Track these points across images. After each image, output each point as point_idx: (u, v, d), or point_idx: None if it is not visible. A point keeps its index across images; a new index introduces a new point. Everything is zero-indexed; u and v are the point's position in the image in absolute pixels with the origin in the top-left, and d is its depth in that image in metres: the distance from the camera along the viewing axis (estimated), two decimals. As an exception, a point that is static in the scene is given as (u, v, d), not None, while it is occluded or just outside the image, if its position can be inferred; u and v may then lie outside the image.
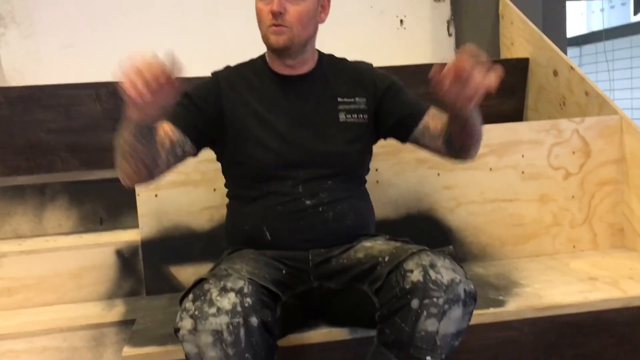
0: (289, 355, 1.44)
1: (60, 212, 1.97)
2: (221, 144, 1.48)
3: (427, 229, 1.92)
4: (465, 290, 1.21)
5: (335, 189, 1.44)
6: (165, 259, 1.80)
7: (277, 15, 1.37)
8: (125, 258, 1.80)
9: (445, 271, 1.20)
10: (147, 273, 1.80)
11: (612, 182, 2.00)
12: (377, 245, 1.38)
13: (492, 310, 1.53)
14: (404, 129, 1.50)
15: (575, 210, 1.99)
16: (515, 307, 1.53)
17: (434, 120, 1.46)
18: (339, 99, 1.49)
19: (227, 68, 1.53)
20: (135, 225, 1.84)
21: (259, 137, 1.43)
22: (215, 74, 1.51)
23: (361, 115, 1.49)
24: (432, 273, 1.20)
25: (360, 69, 1.55)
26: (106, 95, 2.35)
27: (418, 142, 1.50)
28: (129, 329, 1.58)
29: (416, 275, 1.20)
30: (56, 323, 1.64)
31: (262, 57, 1.54)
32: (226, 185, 1.56)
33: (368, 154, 1.56)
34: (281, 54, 1.44)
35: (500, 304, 1.55)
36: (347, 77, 1.52)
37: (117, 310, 1.71)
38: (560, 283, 1.69)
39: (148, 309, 1.67)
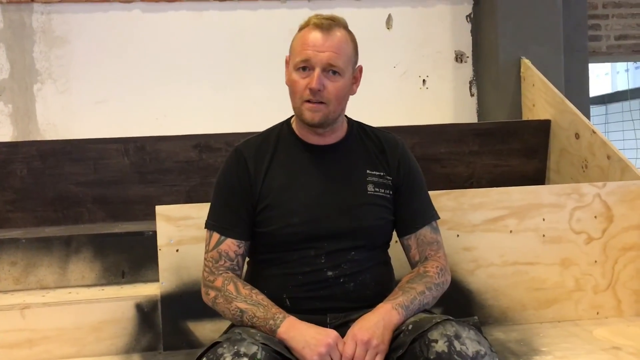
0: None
1: (84, 264, 2.01)
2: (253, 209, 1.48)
3: (447, 291, 1.90)
4: None
5: (358, 260, 1.44)
6: (183, 314, 1.81)
7: (315, 92, 1.39)
8: (145, 312, 1.82)
9: (470, 343, 1.20)
10: (165, 328, 1.81)
11: (636, 247, 1.97)
12: None
13: (511, 378, 1.50)
14: (399, 229, 1.54)
15: (598, 276, 1.96)
16: (535, 376, 1.50)
17: (418, 247, 1.50)
18: (368, 171, 1.49)
19: (249, 141, 1.51)
20: (156, 279, 1.86)
21: (286, 210, 1.43)
22: (239, 151, 1.48)
23: (387, 191, 1.49)
24: (457, 344, 1.19)
25: (390, 144, 1.54)
26: (134, 150, 2.43)
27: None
28: (145, 387, 1.58)
29: (441, 346, 1.19)
30: (73, 378, 1.65)
31: (288, 123, 1.54)
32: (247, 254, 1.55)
33: (392, 225, 1.54)
34: (313, 127, 1.46)
35: (520, 372, 1.52)
36: (376, 149, 1.52)
37: (133, 366, 1.71)
38: (582, 352, 1.65)
39: (165, 366, 1.68)
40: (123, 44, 3.04)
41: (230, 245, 1.44)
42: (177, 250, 1.83)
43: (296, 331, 1.28)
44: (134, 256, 2.03)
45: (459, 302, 1.89)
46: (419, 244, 1.51)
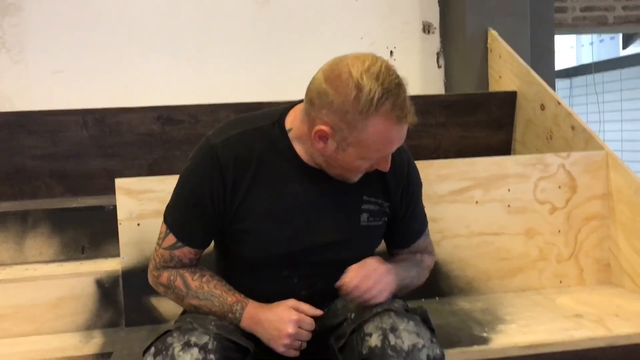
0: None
1: (42, 240, 1.95)
2: (222, 225, 1.31)
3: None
4: (428, 356, 1.15)
5: (334, 276, 1.27)
6: (146, 290, 1.75)
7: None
8: (106, 288, 1.77)
9: (407, 335, 1.15)
10: (127, 304, 1.76)
11: (599, 217, 1.99)
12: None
13: (475, 348, 1.50)
14: (391, 244, 1.46)
15: (561, 245, 1.98)
16: (499, 345, 1.51)
17: (409, 252, 1.46)
18: (365, 197, 1.32)
19: (229, 140, 1.25)
20: (117, 254, 1.81)
21: (265, 239, 1.27)
22: (214, 153, 1.24)
23: (382, 219, 1.36)
24: (391, 338, 1.15)
25: (400, 170, 1.35)
26: (93, 122, 2.35)
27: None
28: (106, 363, 1.54)
29: (374, 340, 1.15)
30: (31, 355, 1.60)
31: (281, 127, 1.27)
32: (216, 248, 1.41)
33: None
34: None
35: (485, 341, 1.53)
36: (379, 173, 1.30)
37: (94, 342, 1.67)
38: (545, 320, 1.67)
39: (126, 341, 1.64)
40: (81, 12, 2.92)
41: (187, 253, 1.31)
42: (138, 225, 1.78)
43: (257, 325, 1.24)
44: (94, 231, 1.98)
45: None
46: (411, 251, 1.46)
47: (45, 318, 1.74)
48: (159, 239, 1.35)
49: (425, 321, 1.22)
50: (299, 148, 1.28)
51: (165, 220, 1.33)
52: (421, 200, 1.47)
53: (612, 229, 1.98)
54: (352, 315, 1.24)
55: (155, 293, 1.75)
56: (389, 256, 1.47)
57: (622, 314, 1.68)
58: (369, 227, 1.34)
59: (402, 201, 1.38)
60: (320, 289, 1.32)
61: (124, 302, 1.77)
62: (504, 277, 1.97)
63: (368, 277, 1.24)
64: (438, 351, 1.18)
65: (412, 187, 1.40)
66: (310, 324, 1.24)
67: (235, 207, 1.26)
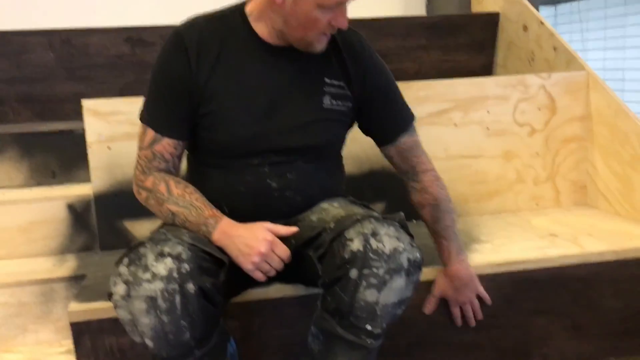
0: (245, 310, 1.42)
1: (10, 164, 1.90)
2: (192, 109, 1.32)
3: (390, 186, 1.88)
4: (409, 259, 1.16)
5: (305, 170, 1.33)
6: (119, 214, 1.74)
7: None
8: (78, 212, 1.74)
9: (387, 239, 1.15)
10: (100, 228, 1.74)
11: (577, 139, 1.98)
12: (332, 209, 1.32)
13: (450, 266, 1.51)
14: (376, 141, 1.44)
15: (539, 168, 1.98)
16: (474, 262, 1.52)
17: (400, 155, 1.42)
18: (327, 80, 1.33)
19: (193, 24, 1.30)
20: (88, 179, 1.77)
21: (231, 120, 1.28)
22: (180, 35, 1.28)
23: (347, 103, 1.35)
24: (373, 242, 1.14)
25: (351, 50, 1.35)
26: (59, 43, 2.24)
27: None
28: (80, 285, 1.53)
29: (356, 245, 1.15)
30: (3, 278, 1.58)
31: (242, 13, 1.32)
32: (187, 149, 1.41)
33: (347, 134, 1.43)
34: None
35: (459, 260, 1.54)
36: (335, 53, 1.34)
37: (68, 266, 1.65)
38: (520, 239, 1.68)
39: (100, 265, 1.63)
40: None
41: (166, 146, 1.30)
42: (108, 148, 1.73)
43: (229, 239, 1.22)
44: (64, 156, 1.92)
45: (403, 197, 1.87)
46: (400, 152, 1.42)
47: (17, 242, 1.71)
48: (139, 142, 1.33)
49: (404, 227, 1.22)
50: (260, 29, 1.30)
51: (142, 119, 1.33)
52: (398, 94, 1.43)
53: (589, 151, 1.98)
54: (332, 225, 1.23)
55: (129, 216, 1.74)
56: (426, 223, 1.46)
57: (595, 233, 1.70)
58: (332, 111, 1.34)
59: (366, 85, 1.36)
60: (292, 182, 1.32)
61: (97, 226, 1.74)
62: (481, 200, 1.97)
63: (459, 291, 1.46)
64: (418, 255, 1.18)
65: (375, 74, 1.37)
66: (284, 251, 1.23)
67: (201, 87, 1.28)
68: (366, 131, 1.44)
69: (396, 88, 1.42)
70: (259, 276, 1.22)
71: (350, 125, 1.42)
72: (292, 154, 1.32)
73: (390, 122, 1.41)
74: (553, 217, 1.88)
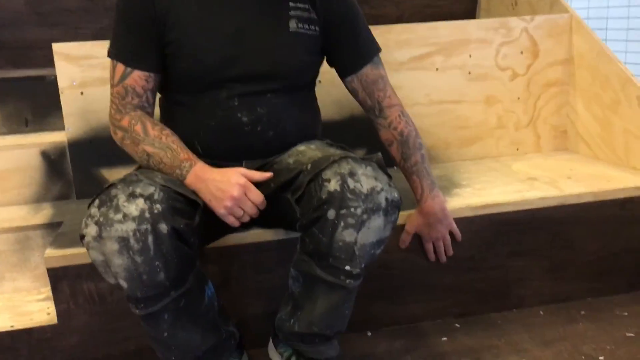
0: (223, 255, 1.41)
1: (-19, 112, 1.84)
2: (158, 38, 1.31)
3: (371, 132, 1.85)
4: (387, 198, 1.15)
5: (276, 103, 1.31)
6: (95, 161, 1.71)
7: None
8: (52, 160, 1.70)
9: (365, 179, 1.14)
10: (76, 176, 1.71)
11: (559, 83, 1.97)
12: (309, 151, 1.31)
13: (430, 209, 1.51)
14: (339, 71, 1.41)
15: (520, 112, 1.97)
16: (453, 206, 1.52)
17: (364, 89, 1.39)
18: (291, 3, 1.32)
19: None
20: (62, 127, 1.72)
21: (196, 47, 1.26)
22: None
23: (313, 27, 1.33)
24: (350, 182, 1.13)
25: None
26: (29, -14, 2.16)
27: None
28: (56, 232, 1.50)
29: (333, 185, 1.13)
30: (-23, 226, 1.56)
31: None
32: (159, 90, 1.40)
33: (318, 64, 1.42)
34: None
35: (439, 203, 1.53)
36: None
37: (44, 214, 1.63)
38: (500, 183, 1.68)
39: (77, 212, 1.60)
40: None
41: (137, 80, 1.28)
42: (81, 93, 1.69)
43: (202, 183, 1.19)
44: (36, 103, 1.87)
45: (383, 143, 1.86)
46: (364, 85, 1.39)
47: (-10, 191, 1.68)
48: (110, 80, 1.31)
49: (382, 167, 1.21)
50: None
51: (110, 54, 1.31)
52: (363, 25, 1.41)
53: (571, 95, 1.97)
54: (308, 167, 1.21)
55: (105, 164, 1.71)
56: (394, 160, 1.44)
57: (574, 177, 1.70)
58: (298, 34, 1.31)
59: (330, 12, 1.34)
60: (262, 116, 1.30)
61: (72, 174, 1.71)
62: (462, 146, 1.96)
63: (432, 227, 1.45)
64: (396, 194, 1.17)
65: (341, 1, 1.36)
66: (257, 196, 1.21)
67: (163, 15, 1.26)
68: (331, 62, 1.42)
69: (362, 19, 1.40)
70: (231, 221, 1.20)
71: (319, 55, 1.40)
72: (260, 83, 1.30)
73: (354, 51, 1.38)
74: (533, 162, 1.88)
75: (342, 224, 1.12)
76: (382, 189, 1.14)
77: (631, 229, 1.63)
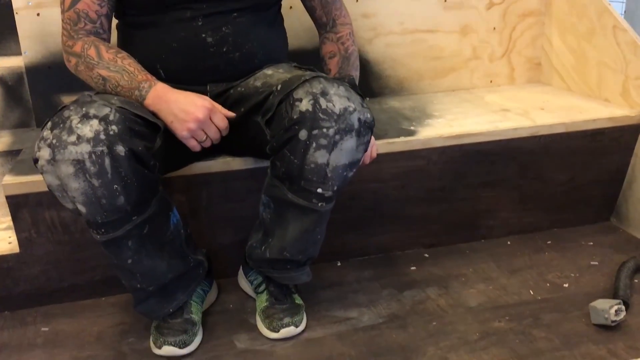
0: (191, 184, 1.38)
1: None
2: None
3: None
4: (359, 119, 1.11)
5: (242, 22, 1.27)
6: (55, 87, 1.64)
7: None
8: (9, 86, 1.63)
9: (338, 99, 1.10)
10: (35, 103, 1.64)
11: (535, 13, 1.93)
12: (277, 74, 1.26)
13: (402, 139, 1.49)
14: None
15: (495, 43, 1.93)
16: (425, 135, 1.50)
17: (323, 8, 1.38)
18: None
19: None
20: (19, 52, 1.63)
21: None
22: None
23: None
24: (322, 102, 1.09)
25: None
26: None
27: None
28: (15, 160, 1.45)
29: (305, 105, 1.09)
30: None
31: None
32: (115, 14, 1.32)
33: None
34: None
35: (411, 133, 1.52)
36: None
37: (2, 141, 1.57)
38: (473, 114, 1.66)
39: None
40: None
41: (90, 4, 1.19)
42: (38, 15, 1.59)
43: (164, 103, 1.13)
44: (-10, 26, 1.77)
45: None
46: (323, 4, 1.37)
47: (-57, 118, 1.60)
48: (60, 4, 1.22)
49: (354, 87, 1.17)
50: None
51: None
52: None
53: (547, 26, 1.93)
54: (279, 87, 1.17)
55: (65, 90, 1.64)
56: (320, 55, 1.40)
57: (547, 108, 1.69)
58: None
59: None
60: (228, 36, 1.26)
61: (32, 101, 1.64)
62: (435, 77, 1.93)
63: None
64: (369, 115, 1.14)
65: None
66: (222, 119, 1.16)
67: None
68: None
69: None
70: (193, 144, 1.16)
71: None
72: (225, 2, 1.24)
73: None
74: (507, 94, 1.87)
75: (314, 144, 1.10)
76: (354, 109, 1.11)
77: (600, 160, 1.64)
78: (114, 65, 1.16)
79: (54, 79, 1.62)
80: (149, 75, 1.17)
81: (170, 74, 1.25)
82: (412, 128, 1.55)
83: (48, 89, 1.63)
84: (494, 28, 1.92)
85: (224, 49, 1.26)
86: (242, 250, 1.38)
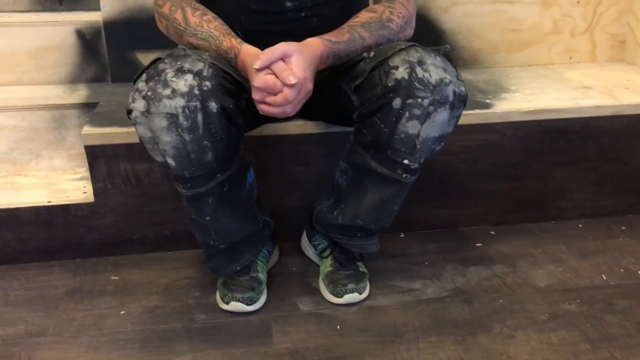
0: (262, 145, 1.38)
1: (14, -13, 1.78)
2: None
3: (417, 30, 1.76)
4: (454, 92, 1.08)
5: None
6: (130, 44, 1.66)
7: None
8: (87, 40, 1.65)
9: (434, 70, 1.07)
10: (111, 58, 1.66)
11: (624, -13, 1.83)
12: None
13: (477, 111, 1.45)
14: None
15: (578, 18, 1.84)
16: (501, 109, 1.45)
17: None
18: None
19: None
20: (97, 7, 1.66)
21: None
22: None
23: None
24: (419, 71, 1.06)
25: None
26: None
27: None
28: (92, 112, 1.48)
29: (401, 73, 1.06)
30: (13, 102, 1.54)
31: None
32: None
33: None
34: None
35: (487, 106, 1.47)
36: None
37: (79, 94, 1.60)
38: (551, 90, 1.60)
39: (112, 95, 1.57)
40: None
41: None
42: (118, -31, 1.61)
43: (246, 73, 1.10)
44: (70, -20, 1.80)
45: (429, 43, 1.76)
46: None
47: (25, 68, 1.64)
48: None
49: (450, 60, 1.14)
50: None
51: None
52: None
53: (635, 1, 1.83)
54: (371, 54, 1.14)
55: (141, 47, 1.66)
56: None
57: (632, 87, 1.61)
58: None
59: None
60: (307, 2, 1.23)
61: (108, 57, 1.66)
62: (511, 51, 1.86)
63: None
64: (463, 89, 1.11)
65: None
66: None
67: None
68: None
69: None
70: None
71: None
72: None
73: None
74: (587, 72, 1.78)
75: (406, 114, 1.07)
76: (450, 81, 1.07)
77: (685, 146, 1.56)
78: (200, 31, 1.15)
79: (130, 35, 1.64)
80: (234, 41, 1.14)
81: (247, 35, 1.23)
82: (487, 101, 1.51)
83: (124, 45, 1.65)
84: (578, 1, 1.82)
85: (302, 14, 1.24)
86: (306, 215, 1.38)
